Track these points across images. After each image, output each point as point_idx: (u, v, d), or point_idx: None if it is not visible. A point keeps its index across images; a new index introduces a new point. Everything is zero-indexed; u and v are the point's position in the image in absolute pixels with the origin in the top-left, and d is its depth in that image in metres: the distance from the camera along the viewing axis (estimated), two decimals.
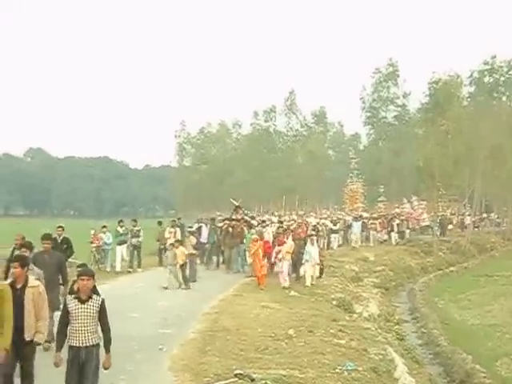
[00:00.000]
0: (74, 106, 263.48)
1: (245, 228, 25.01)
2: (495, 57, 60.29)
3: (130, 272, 24.39)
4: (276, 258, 21.23)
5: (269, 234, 24.57)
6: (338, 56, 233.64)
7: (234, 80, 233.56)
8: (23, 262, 8.32)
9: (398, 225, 41.28)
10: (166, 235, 25.06)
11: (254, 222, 26.94)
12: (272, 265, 22.17)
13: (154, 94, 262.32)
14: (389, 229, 40.69)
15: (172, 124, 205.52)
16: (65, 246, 16.07)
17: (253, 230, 23.93)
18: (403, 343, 17.29)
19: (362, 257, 32.32)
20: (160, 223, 27.61)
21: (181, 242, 21.54)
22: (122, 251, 24.91)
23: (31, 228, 23.59)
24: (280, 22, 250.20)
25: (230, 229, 24.83)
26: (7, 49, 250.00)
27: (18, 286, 8.03)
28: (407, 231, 44.49)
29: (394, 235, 40.34)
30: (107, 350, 7.92)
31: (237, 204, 27.67)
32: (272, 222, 28.37)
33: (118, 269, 24.45)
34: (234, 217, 26.52)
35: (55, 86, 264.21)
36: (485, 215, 57.09)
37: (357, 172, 50.73)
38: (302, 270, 21.66)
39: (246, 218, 26.70)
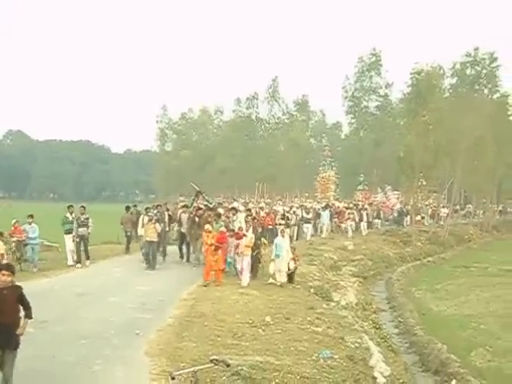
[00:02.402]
0: (55, 88, 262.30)
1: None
2: (478, 49, 60.74)
3: (77, 267, 21.08)
4: (236, 252, 19.26)
5: (240, 222, 21.51)
6: (322, 45, 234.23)
7: (217, 66, 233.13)
8: None
9: (367, 214, 40.57)
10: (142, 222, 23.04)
11: (221, 210, 24.30)
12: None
13: (136, 78, 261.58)
14: (358, 218, 39.52)
15: (154, 108, 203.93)
16: None
17: (221, 221, 21.34)
18: (380, 332, 17.35)
19: (340, 246, 32.39)
20: (128, 208, 26.63)
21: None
22: (70, 241, 21.59)
23: (9, 211, 23.29)
24: (264, 9, 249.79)
25: (197, 218, 22.41)
26: None
27: None
28: (378, 221, 44.09)
29: (364, 224, 39.44)
30: None
31: (198, 189, 26.10)
32: (238, 211, 27.35)
33: (69, 262, 21.47)
34: (195, 204, 24.79)
35: (36, 68, 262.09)
36: (458, 207, 57.25)
37: (330, 160, 50.49)
38: (271, 268, 18.93)
39: (209, 205, 24.60)
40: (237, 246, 19.01)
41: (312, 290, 19.06)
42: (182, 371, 5.74)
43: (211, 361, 5.72)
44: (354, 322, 15.59)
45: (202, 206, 23.84)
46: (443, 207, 51.28)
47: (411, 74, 43.41)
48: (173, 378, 5.48)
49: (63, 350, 10.54)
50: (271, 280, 18.96)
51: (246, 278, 18.41)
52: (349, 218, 38.09)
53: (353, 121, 78.53)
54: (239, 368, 9.31)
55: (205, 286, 17.76)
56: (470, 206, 61.04)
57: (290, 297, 16.85)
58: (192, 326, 12.60)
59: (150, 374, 9.44)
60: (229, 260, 20.03)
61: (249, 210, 27.88)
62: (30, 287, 16.83)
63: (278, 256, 18.80)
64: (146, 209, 24.02)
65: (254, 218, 25.25)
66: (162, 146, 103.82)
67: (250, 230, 19.44)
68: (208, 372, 8.23)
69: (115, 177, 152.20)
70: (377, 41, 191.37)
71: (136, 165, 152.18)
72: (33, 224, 20.94)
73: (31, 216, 21.18)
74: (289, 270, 19.11)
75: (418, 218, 45.66)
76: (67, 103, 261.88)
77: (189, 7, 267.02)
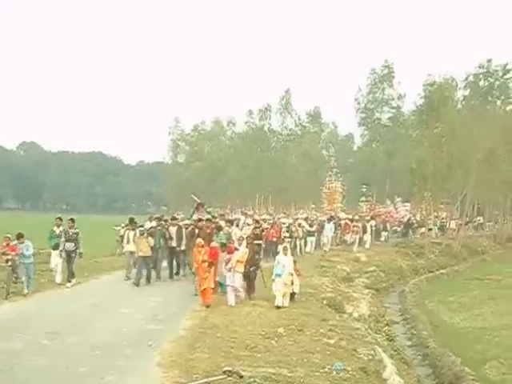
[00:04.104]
0: (69, 100, 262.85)
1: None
2: (490, 60, 60.60)
3: (67, 287, 19.15)
4: (226, 267, 17.29)
5: (235, 234, 21.10)
6: (334, 56, 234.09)
7: (230, 78, 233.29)
8: None
9: (371, 226, 39.28)
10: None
11: (222, 223, 22.88)
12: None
13: (149, 90, 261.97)
14: (362, 231, 37.68)
15: (166, 120, 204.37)
16: None
17: (221, 233, 20.31)
18: (393, 344, 17.26)
19: (353, 257, 32.30)
20: (132, 220, 22.73)
21: None
22: (58, 257, 19.73)
23: (23, 222, 23.24)
24: (277, 21, 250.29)
25: (197, 230, 20.58)
26: (2, 41, 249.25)
27: None
28: (385, 233, 43.46)
29: (368, 237, 38.16)
30: None
31: (198, 201, 25.06)
32: (246, 223, 26.44)
33: (57, 280, 19.66)
34: (194, 216, 23.63)
35: (50, 80, 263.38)
36: (467, 219, 56.77)
37: (336, 170, 50.09)
38: (274, 288, 17.00)
39: (202, 217, 22.62)
40: (228, 261, 17.21)
41: (325, 302, 18.95)
42: (195, 382, 5.74)
43: (224, 372, 5.74)
44: (366, 334, 15.53)
45: (202, 218, 22.43)
46: (452, 219, 51.05)
47: (424, 85, 43.23)
48: None
49: (76, 360, 10.55)
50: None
51: (232, 296, 16.77)
52: (353, 231, 36.70)
53: (365, 132, 78.58)
54: (252, 380, 9.25)
55: (207, 306, 16.34)
56: (481, 218, 60.70)
57: (303, 308, 16.78)
58: (204, 337, 12.59)
59: None
60: (217, 279, 18.15)
61: (257, 221, 27.60)
62: (43, 297, 17.08)
63: (278, 276, 17.04)
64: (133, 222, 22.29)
65: (263, 231, 25.11)
66: (175, 157, 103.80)
67: (243, 243, 17.98)
68: (221, 383, 8.22)
69: (127, 188, 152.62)
70: (389, 53, 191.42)
71: (148, 176, 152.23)
72: (25, 242, 17.78)
73: (21, 236, 17.83)
74: (293, 291, 17.62)
75: (423, 230, 45.07)
76: (80, 115, 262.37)
77: (202, 19, 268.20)
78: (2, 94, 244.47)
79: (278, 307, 16.41)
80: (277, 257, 18.06)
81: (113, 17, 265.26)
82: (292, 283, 17.48)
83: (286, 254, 17.57)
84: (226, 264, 17.18)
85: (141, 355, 11.12)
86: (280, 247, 18.58)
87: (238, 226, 24.68)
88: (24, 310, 15.21)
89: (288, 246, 19.17)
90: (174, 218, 24.01)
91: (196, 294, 17.56)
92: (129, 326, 13.47)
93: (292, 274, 17.36)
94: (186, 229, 22.17)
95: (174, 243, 22.09)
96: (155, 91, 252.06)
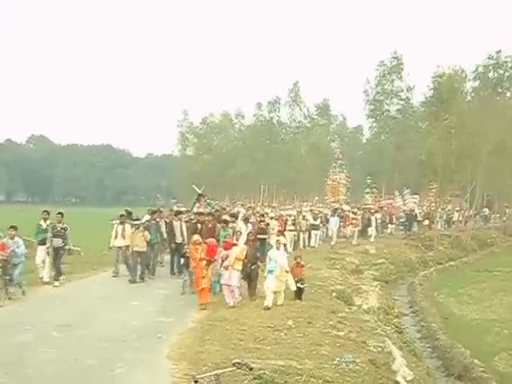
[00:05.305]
0: (78, 93, 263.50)
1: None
2: (500, 52, 60.12)
3: (55, 286, 17.90)
4: (222, 265, 16.02)
5: (241, 228, 19.48)
6: (343, 48, 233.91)
7: (238, 71, 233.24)
8: None
9: (376, 219, 38.21)
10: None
11: (227, 217, 21.11)
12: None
13: (158, 82, 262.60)
14: (364, 223, 37.16)
15: (175, 113, 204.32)
16: None
17: (229, 228, 19.16)
18: (402, 336, 17.23)
19: (362, 249, 32.21)
20: (130, 213, 21.29)
21: None
22: (42, 253, 18.23)
23: (33, 215, 23.14)
24: (286, 13, 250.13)
25: (199, 225, 19.31)
26: (11, 35, 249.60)
27: None
28: (392, 226, 42.78)
29: (371, 230, 37.13)
30: None
31: (200, 192, 23.85)
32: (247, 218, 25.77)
33: (45, 278, 18.26)
34: (196, 208, 22.63)
35: (59, 74, 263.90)
36: (471, 212, 56.15)
37: (340, 162, 49.73)
38: (265, 286, 15.81)
39: (203, 210, 21.69)
40: (225, 258, 15.91)
41: (334, 294, 18.92)
42: (204, 375, 5.71)
43: (234, 364, 5.68)
44: (376, 327, 15.48)
45: (202, 211, 21.32)
46: (457, 211, 50.72)
47: (433, 77, 42.97)
48: (195, 382, 5.45)
49: (86, 353, 10.58)
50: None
51: (229, 296, 15.72)
52: (352, 223, 35.74)
53: (374, 124, 78.13)
54: (261, 372, 9.26)
55: (204, 309, 15.35)
56: (486, 209, 60.28)
57: (312, 301, 16.74)
58: (214, 329, 12.61)
59: (172, 377, 9.44)
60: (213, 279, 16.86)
61: (262, 215, 27.34)
62: (50, 292, 17.10)
63: (270, 272, 15.83)
64: (121, 216, 20.81)
65: (267, 224, 24.97)
66: (183, 150, 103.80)
67: (242, 238, 17.16)
68: (230, 376, 8.19)
69: (136, 181, 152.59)
70: (398, 44, 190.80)
71: (157, 169, 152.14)
72: (16, 238, 16.19)
73: (14, 228, 16.28)
74: (298, 288, 16.43)
75: (426, 222, 44.65)
76: (89, 108, 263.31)
77: (210, 13, 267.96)
78: (11, 87, 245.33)
79: (267, 308, 15.08)
80: (269, 252, 17.05)
81: (122, 10, 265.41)
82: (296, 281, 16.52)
83: (278, 249, 16.50)
84: (223, 261, 15.95)
85: (150, 348, 11.16)
86: (273, 241, 17.41)
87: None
88: (33, 304, 15.25)
89: (282, 239, 18.25)
90: (178, 213, 22.61)
91: (183, 293, 17.14)
92: (138, 319, 13.51)
93: (287, 271, 15.96)
94: (187, 222, 21.21)
95: (178, 239, 21.09)
96: (164, 84, 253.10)
